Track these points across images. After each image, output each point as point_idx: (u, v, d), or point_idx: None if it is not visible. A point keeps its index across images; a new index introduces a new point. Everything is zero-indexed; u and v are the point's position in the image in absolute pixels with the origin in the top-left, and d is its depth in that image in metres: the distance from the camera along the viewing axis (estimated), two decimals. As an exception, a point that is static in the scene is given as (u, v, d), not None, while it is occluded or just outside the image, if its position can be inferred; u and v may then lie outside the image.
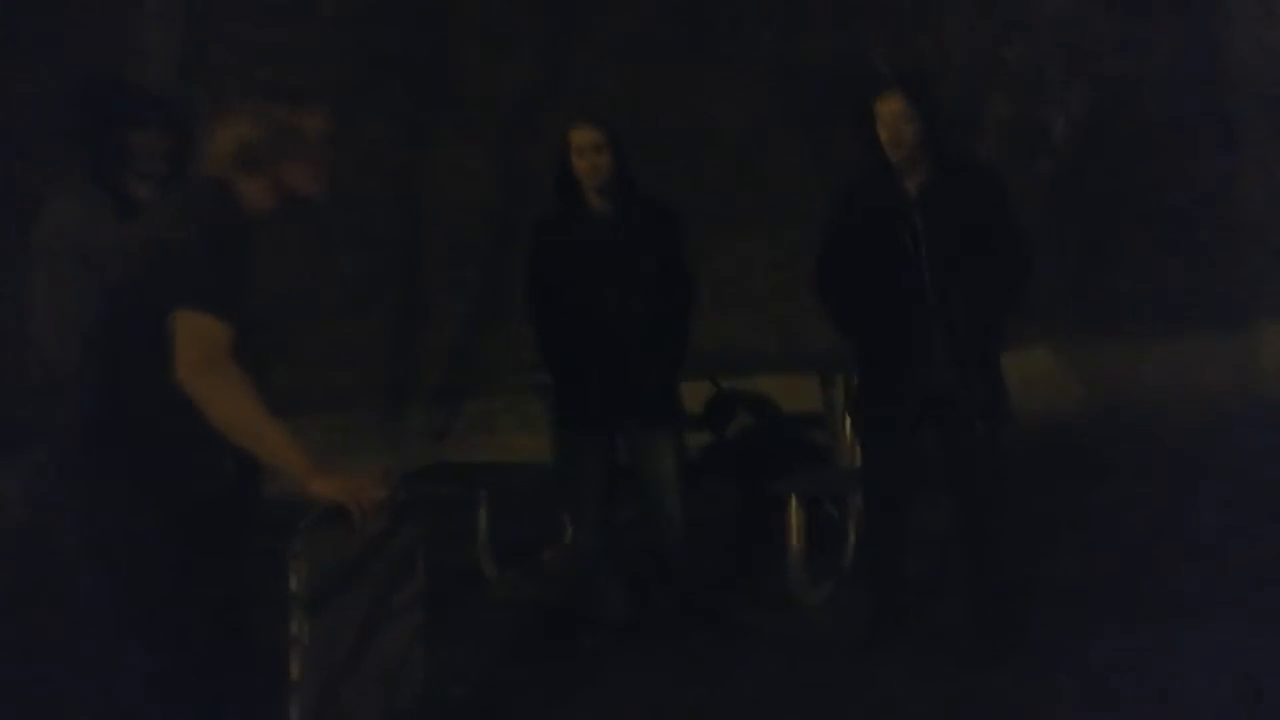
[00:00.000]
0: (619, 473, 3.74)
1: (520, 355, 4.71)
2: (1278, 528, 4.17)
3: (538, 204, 3.83)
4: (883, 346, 3.45)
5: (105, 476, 2.20)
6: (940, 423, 3.42)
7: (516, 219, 5.02)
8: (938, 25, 6.53)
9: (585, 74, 6.40)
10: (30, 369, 3.24)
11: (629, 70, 6.42)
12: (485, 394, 6.02)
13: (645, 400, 3.62)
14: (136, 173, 2.97)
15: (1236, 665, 3.15)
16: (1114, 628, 3.47)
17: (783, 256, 6.32)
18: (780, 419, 4.72)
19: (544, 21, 6.45)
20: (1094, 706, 3.08)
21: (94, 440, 2.22)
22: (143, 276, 2.24)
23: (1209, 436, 5.33)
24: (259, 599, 2.31)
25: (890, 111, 3.35)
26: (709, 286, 6.37)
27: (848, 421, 4.12)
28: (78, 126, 3.08)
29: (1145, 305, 6.42)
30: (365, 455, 5.80)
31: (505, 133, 6.24)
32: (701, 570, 3.86)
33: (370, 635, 2.33)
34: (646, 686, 3.36)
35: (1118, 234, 6.56)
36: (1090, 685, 3.17)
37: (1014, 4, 6.59)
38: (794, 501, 3.90)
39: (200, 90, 5.14)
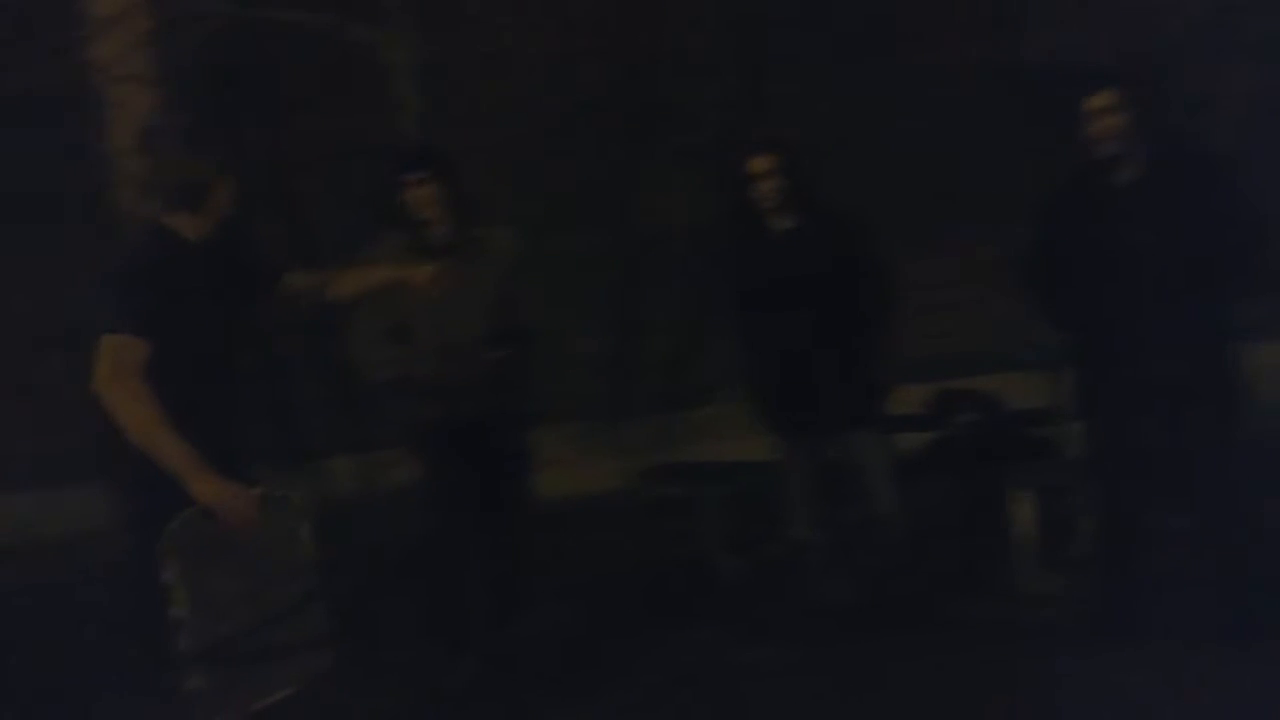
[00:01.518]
0: (834, 471, 3.90)
1: (735, 365, 4.91)
2: None
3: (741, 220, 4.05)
4: (1106, 339, 3.44)
5: None
6: (1170, 413, 3.38)
7: (721, 235, 5.21)
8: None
9: (785, 90, 6.54)
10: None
11: (827, 84, 6.52)
12: (703, 402, 6.24)
13: (846, 405, 3.79)
14: None
15: None
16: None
17: (998, 255, 6.26)
18: (1003, 414, 4.73)
19: (742, 41, 6.63)
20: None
21: None
22: None
23: None
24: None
25: (1099, 106, 3.37)
26: (923, 289, 6.43)
27: (1075, 416, 4.11)
28: None
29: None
30: (595, 459, 6.15)
31: (711, 152, 6.46)
32: (925, 564, 3.94)
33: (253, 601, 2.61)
34: (871, 675, 3.46)
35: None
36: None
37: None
38: (1020, 494, 3.91)
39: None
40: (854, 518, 4.01)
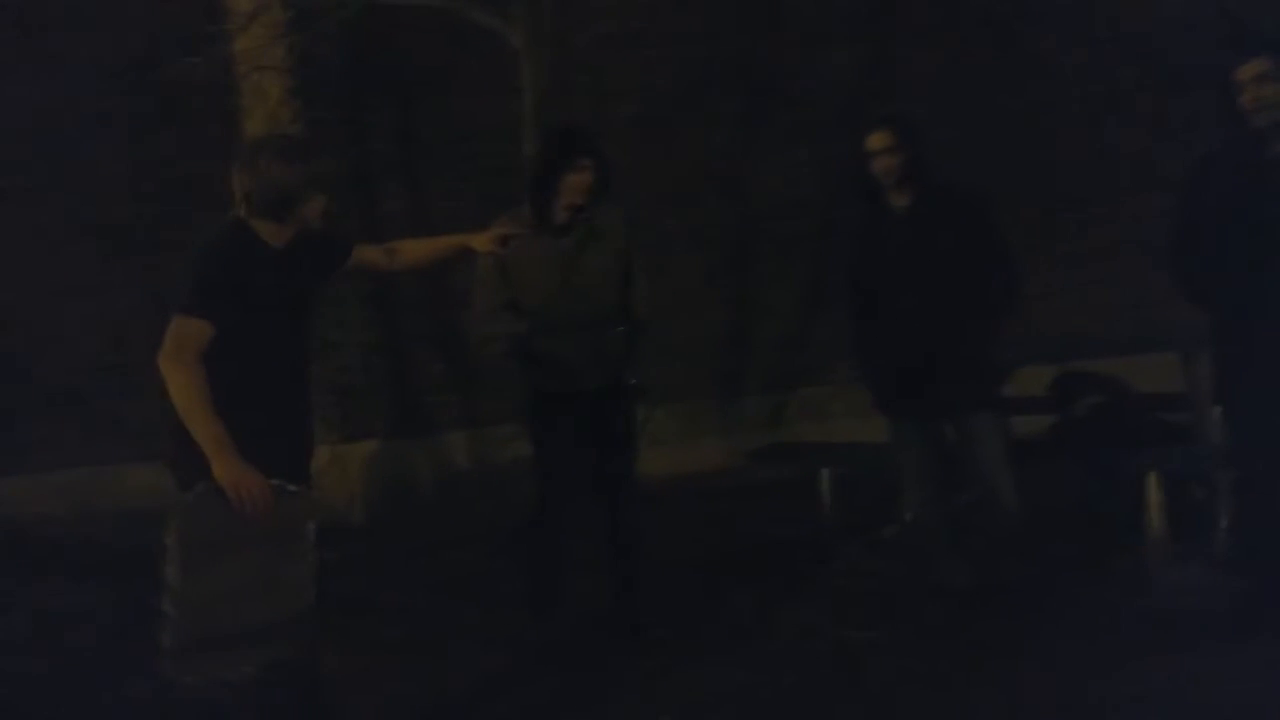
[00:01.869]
0: (951, 454, 3.82)
1: (849, 344, 4.85)
2: None
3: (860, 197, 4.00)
4: (1249, 321, 3.30)
5: None
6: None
7: (839, 212, 5.15)
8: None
9: (908, 63, 6.42)
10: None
11: (955, 55, 6.37)
12: (815, 382, 6.18)
13: (963, 386, 3.72)
14: None
15: None
16: None
17: (1132, 233, 6.05)
18: (1131, 397, 4.57)
19: (865, 13, 6.52)
20: None
21: None
22: None
23: None
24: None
25: (1252, 76, 3.24)
26: (1059, 268, 6.26)
27: (1212, 400, 3.95)
28: None
29: None
30: (707, 439, 6.15)
31: (828, 128, 6.37)
32: (1044, 548, 3.84)
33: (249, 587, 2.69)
34: (984, 657, 3.40)
35: None
36: None
37: None
38: (1153, 479, 3.79)
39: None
40: (969, 501, 3.93)
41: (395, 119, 6.20)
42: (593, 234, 3.57)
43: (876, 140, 3.76)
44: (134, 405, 5.68)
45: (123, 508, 5.35)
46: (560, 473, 3.57)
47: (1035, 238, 6.03)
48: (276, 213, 2.84)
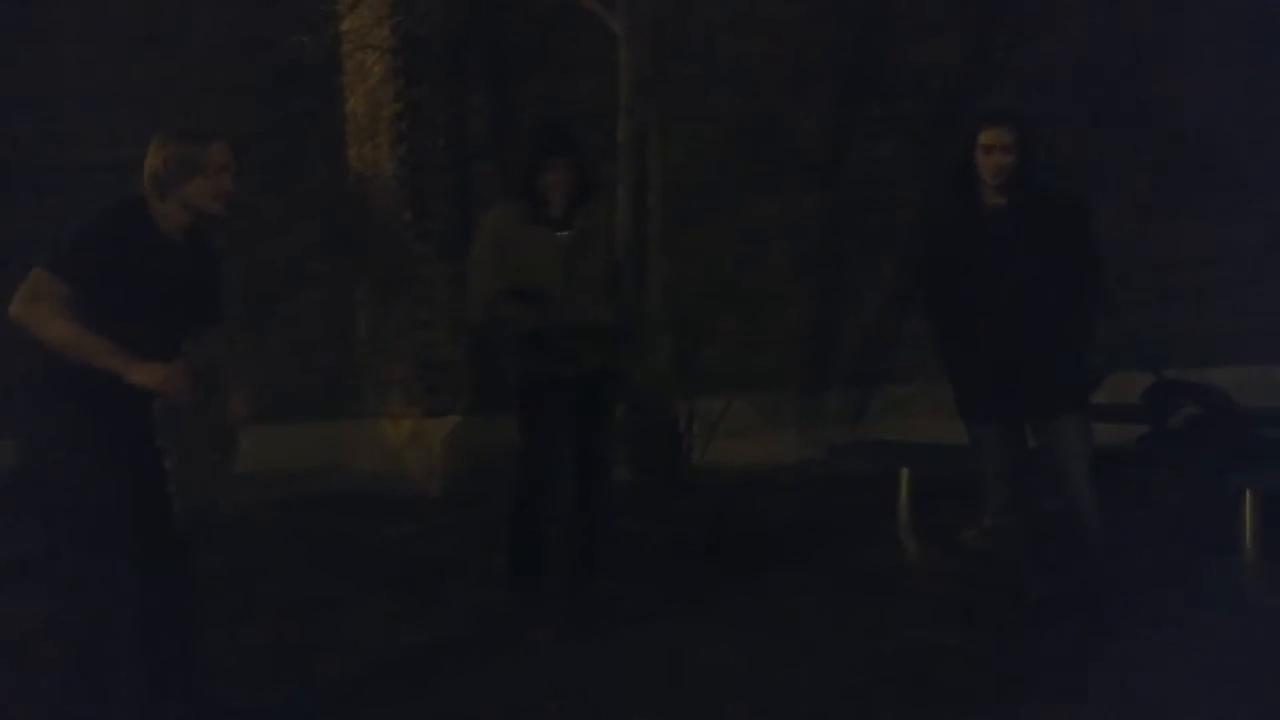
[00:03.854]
0: (1033, 460, 3.75)
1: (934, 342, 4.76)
2: None
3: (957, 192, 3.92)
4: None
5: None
6: None
7: (930, 208, 5.06)
8: None
9: (1008, 59, 6.27)
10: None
11: (1057, 53, 6.20)
12: (901, 379, 6.09)
13: (1046, 390, 3.65)
14: None
15: None
16: None
17: (1242, 239, 5.84)
18: (1233, 410, 4.40)
19: (968, 7, 6.39)
20: None
21: None
22: None
23: None
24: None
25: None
26: (1157, 274, 6.06)
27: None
28: None
29: None
30: (786, 431, 6.10)
31: (925, 121, 6.25)
32: (1126, 559, 3.74)
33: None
34: (1057, 668, 3.32)
35: None
36: None
37: None
38: (1249, 498, 3.65)
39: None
40: (1051, 507, 3.85)
41: (494, 101, 6.27)
42: (585, 228, 3.72)
43: (994, 135, 3.68)
44: None
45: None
46: (548, 456, 3.69)
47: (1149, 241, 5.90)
48: (164, 190, 2.84)
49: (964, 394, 3.84)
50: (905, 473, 4.44)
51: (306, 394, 5.98)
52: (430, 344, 6.14)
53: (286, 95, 6.06)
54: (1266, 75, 6.04)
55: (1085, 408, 3.75)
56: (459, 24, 6.17)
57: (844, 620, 3.80)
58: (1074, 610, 3.64)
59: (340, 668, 3.53)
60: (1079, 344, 3.69)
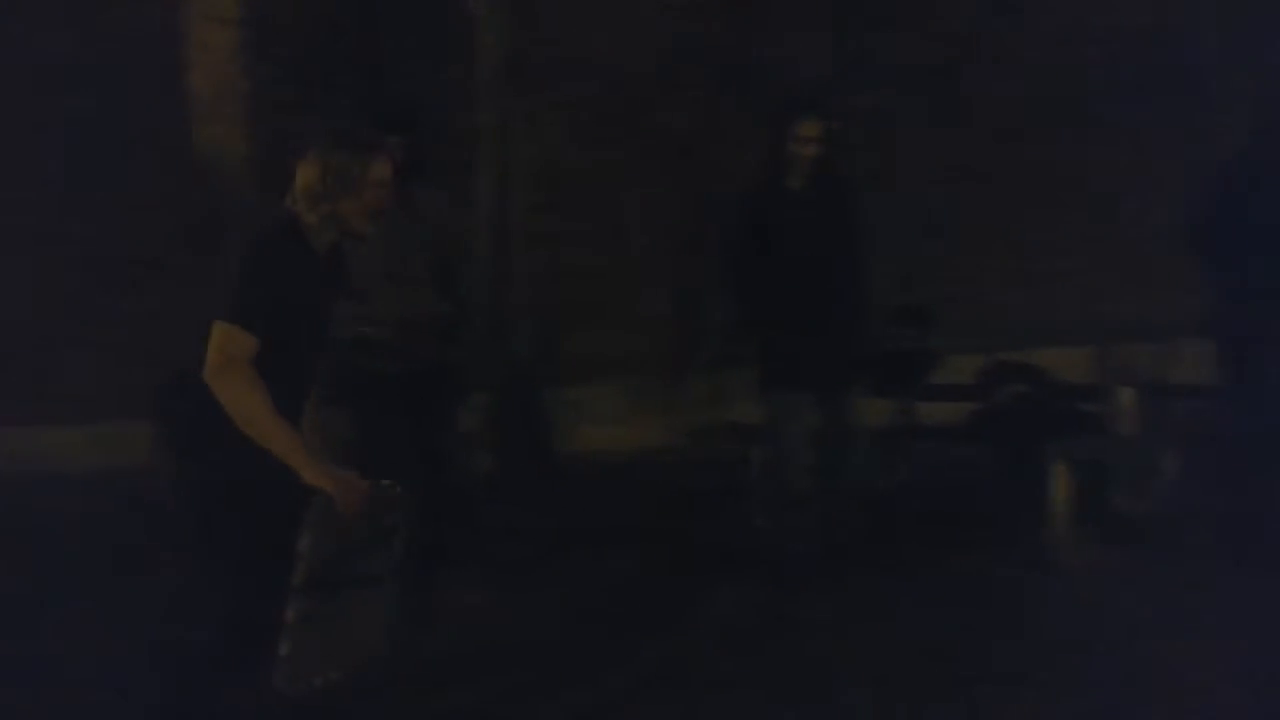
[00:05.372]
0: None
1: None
2: None
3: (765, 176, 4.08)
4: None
5: None
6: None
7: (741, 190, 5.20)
8: None
9: (880, 53, 6.46)
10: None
11: (931, 48, 6.41)
12: (753, 362, 6.28)
13: (830, 363, 3.95)
14: None
15: None
16: None
17: (1093, 229, 6.17)
18: (1049, 386, 4.73)
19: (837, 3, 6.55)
20: None
21: None
22: None
23: None
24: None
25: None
26: (1013, 260, 6.34)
27: (1123, 391, 4.15)
28: None
29: None
30: (653, 416, 6.27)
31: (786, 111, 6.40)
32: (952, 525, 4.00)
33: (340, 594, 2.61)
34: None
35: None
36: None
37: None
38: (1060, 465, 3.96)
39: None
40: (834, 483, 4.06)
41: (349, 82, 6.15)
42: (407, 215, 3.56)
43: (810, 127, 3.94)
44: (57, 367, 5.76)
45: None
46: (387, 451, 3.49)
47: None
48: (313, 202, 2.60)
49: (764, 363, 4.06)
50: (756, 451, 4.65)
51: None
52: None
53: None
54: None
55: (854, 382, 4.04)
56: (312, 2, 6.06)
57: (692, 595, 3.98)
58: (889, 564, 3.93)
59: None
60: (844, 319, 3.98)
